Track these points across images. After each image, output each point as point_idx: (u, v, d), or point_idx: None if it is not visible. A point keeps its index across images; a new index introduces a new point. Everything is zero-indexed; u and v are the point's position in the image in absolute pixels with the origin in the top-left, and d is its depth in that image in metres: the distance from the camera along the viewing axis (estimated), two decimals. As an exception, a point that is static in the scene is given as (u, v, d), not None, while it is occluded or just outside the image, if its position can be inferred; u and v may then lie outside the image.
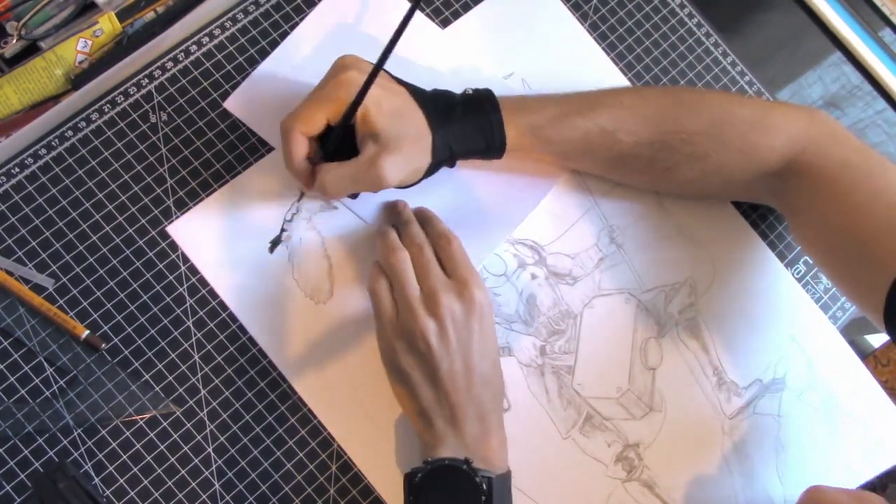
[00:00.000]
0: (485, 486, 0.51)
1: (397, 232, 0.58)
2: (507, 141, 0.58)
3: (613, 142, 0.59)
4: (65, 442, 0.56)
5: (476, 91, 0.59)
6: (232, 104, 0.63)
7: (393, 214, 0.60)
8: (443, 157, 0.57)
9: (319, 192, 0.55)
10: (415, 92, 0.57)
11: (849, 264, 0.57)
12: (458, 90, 0.59)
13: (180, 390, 0.58)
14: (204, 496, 0.57)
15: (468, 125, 0.57)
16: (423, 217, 0.60)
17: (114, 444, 0.57)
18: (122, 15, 0.62)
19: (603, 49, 0.70)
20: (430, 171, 0.58)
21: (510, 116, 0.58)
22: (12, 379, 0.57)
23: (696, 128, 0.58)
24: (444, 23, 0.68)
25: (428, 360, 0.53)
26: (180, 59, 0.63)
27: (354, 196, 0.61)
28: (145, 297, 0.59)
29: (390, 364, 0.55)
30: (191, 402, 0.58)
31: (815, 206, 0.58)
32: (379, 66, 0.51)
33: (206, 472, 0.57)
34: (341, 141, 0.55)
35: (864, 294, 0.56)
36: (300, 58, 0.64)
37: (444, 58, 0.66)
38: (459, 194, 0.63)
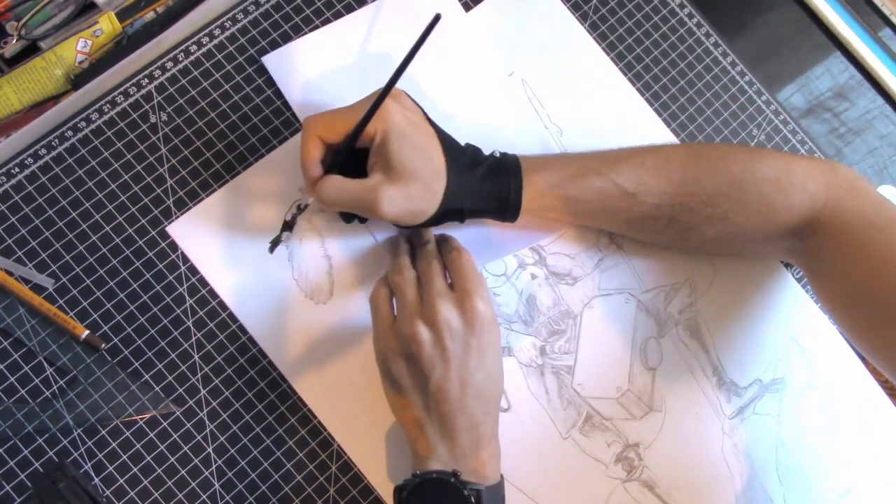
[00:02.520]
0: (473, 499, 0.50)
1: (413, 247, 0.58)
2: (523, 202, 0.57)
3: (633, 203, 0.58)
4: (65, 442, 0.56)
5: (503, 155, 0.58)
6: (270, 61, 0.64)
7: (415, 236, 0.59)
8: (451, 209, 0.56)
9: (316, 198, 0.55)
10: (444, 139, 0.56)
11: (870, 322, 0.56)
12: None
13: (180, 390, 0.58)
14: (204, 496, 0.57)
15: (486, 186, 0.56)
16: (442, 237, 0.59)
17: (114, 444, 0.57)
18: (122, 15, 0.62)
19: (603, 49, 0.70)
20: (435, 220, 0.56)
21: (530, 176, 0.57)
22: (12, 379, 0.57)
23: (716, 189, 0.57)
24: (444, 23, 0.68)
25: (420, 367, 0.53)
26: (180, 59, 0.63)
27: (348, 219, 0.60)
28: (145, 297, 0.59)
29: (384, 369, 0.55)
30: (191, 402, 0.58)
31: (835, 264, 0.57)
32: (391, 84, 0.51)
33: (206, 472, 0.57)
34: (356, 160, 0.55)
35: (887, 353, 0.55)
36: (351, 40, 0.65)
37: (444, 57, 0.66)
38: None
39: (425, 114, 0.56)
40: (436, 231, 0.59)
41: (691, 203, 0.58)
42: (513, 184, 0.56)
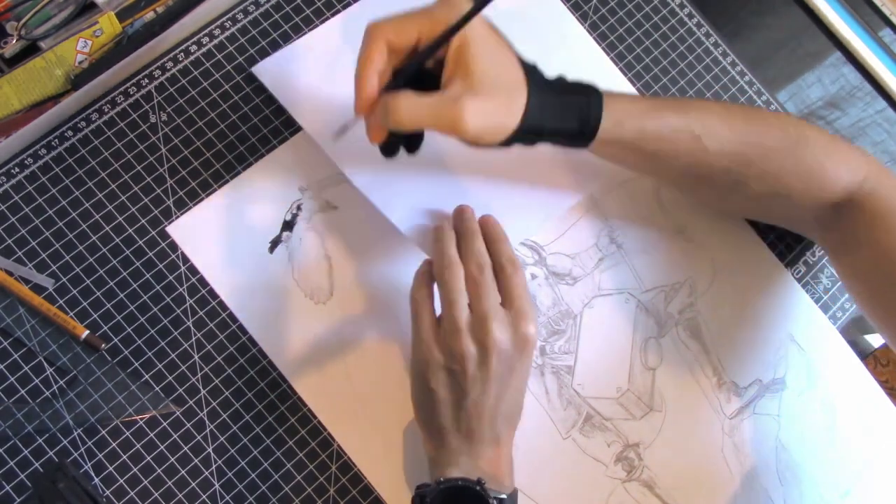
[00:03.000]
0: None
1: (457, 237, 0.55)
2: (602, 125, 0.53)
3: (697, 147, 0.56)
4: (65, 442, 0.56)
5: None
6: (261, 70, 0.63)
7: (457, 219, 0.56)
8: (532, 124, 0.51)
9: (382, 117, 0.49)
10: (518, 54, 0.52)
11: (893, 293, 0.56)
12: None
13: (180, 390, 0.58)
14: (204, 496, 0.57)
15: (567, 101, 0.53)
16: (492, 235, 0.56)
17: (114, 444, 0.57)
18: (122, 15, 0.62)
19: (603, 49, 0.70)
20: (509, 140, 0.52)
21: (610, 101, 0.54)
22: (12, 379, 0.57)
23: (776, 143, 0.57)
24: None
25: (461, 383, 0.51)
26: (180, 59, 0.63)
27: (390, 152, 0.55)
28: (145, 297, 0.59)
29: (419, 376, 0.53)
30: (191, 402, 0.58)
31: (868, 240, 0.57)
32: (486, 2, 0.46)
33: (206, 472, 0.57)
34: (418, 76, 0.50)
35: None
36: (340, 41, 0.64)
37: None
38: (479, 193, 0.61)
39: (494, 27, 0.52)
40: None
41: (751, 154, 0.57)
42: (594, 102, 0.53)
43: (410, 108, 0.48)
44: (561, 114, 0.53)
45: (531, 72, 0.52)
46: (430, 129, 0.50)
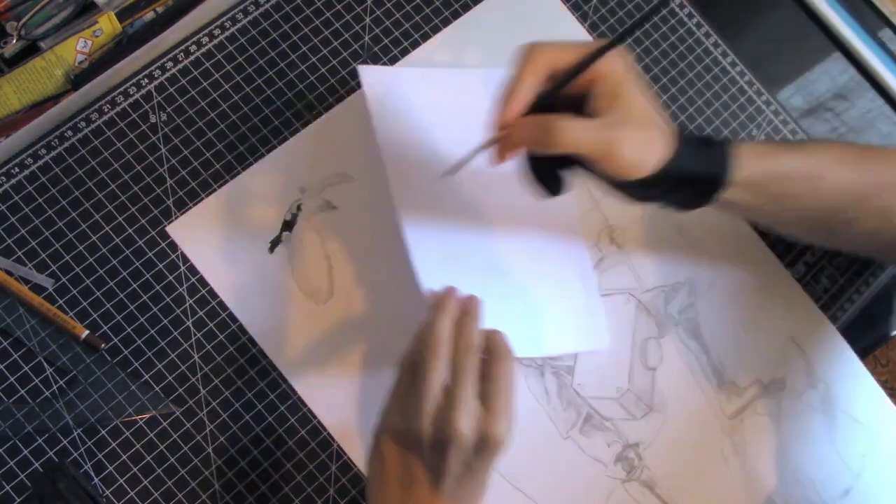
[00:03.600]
0: None
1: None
2: (732, 175, 0.52)
3: (815, 187, 0.55)
4: (65, 442, 0.56)
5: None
6: (367, 73, 0.61)
7: (468, 299, 0.53)
8: (678, 166, 0.50)
9: (541, 137, 0.48)
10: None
11: None
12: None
13: (180, 390, 0.58)
14: (204, 496, 0.57)
15: (701, 147, 0.52)
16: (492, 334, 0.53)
17: (114, 444, 0.57)
18: (122, 15, 0.62)
19: (603, 49, 0.70)
20: (646, 183, 0.50)
21: (738, 146, 0.53)
22: (12, 379, 0.57)
23: (887, 180, 0.57)
24: (444, 22, 0.68)
25: (411, 465, 0.49)
26: (180, 59, 0.63)
27: (551, 192, 0.53)
28: (145, 297, 0.59)
29: (375, 441, 0.51)
30: (190, 402, 0.58)
31: None
32: (637, 26, 0.46)
33: (206, 472, 0.57)
34: (552, 100, 0.49)
35: None
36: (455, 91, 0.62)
37: (444, 58, 0.66)
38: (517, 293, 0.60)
39: None
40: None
41: (863, 192, 0.56)
42: (725, 149, 0.52)
43: (573, 129, 0.47)
44: (697, 159, 0.52)
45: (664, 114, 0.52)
46: (584, 154, 0.49)
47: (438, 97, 0.63)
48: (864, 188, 0.56)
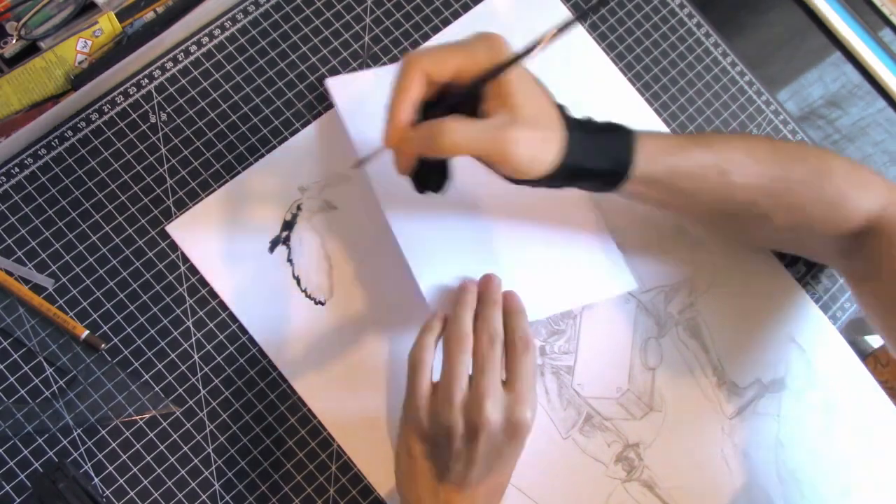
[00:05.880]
0: None
1: (478, 303, 0.54)
2: (634, 165, 0.53)
3: (723, 182, 0.56)
4: (64, 442, 0.56)
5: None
6: (334, 85, 0.62)
7: (483, 285, 0.55)
8: (571, 162, 0.51)
9: (429, 141, 0.48)
10: (551, 94, 0.53)
11: None
12: None
13: (180, 390, 0.58)
14: (204, 496, 0.57)
15: (599, 139, 0.53)
16: (511, 307, 0.54)
17: (113, 444, 0.57)
18: (122, 15, 0.62)
19: (603, 49, 0.70)
20: (548, 176, 0.51)
21: (641, 139, 0.53)
22: (12, 379, 0.57)
23: (800, 176, 0.57)
24: (444, 23, 0.68)
25: (444, 457, 0.50)
26: (180, 59, 0.63)
27: (423, 188, 0.54)
28: (145, 297, 0.59)
29: (405, 441, 0.52)
30: (190, 402, 0.58)
31: (889, 268, 0.57)
32: (535, 46, 0.46)
33: (206, 472, 0.57)
34: (452, 111, 0.49)
35: None
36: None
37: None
38: (511, 264, 0.60)
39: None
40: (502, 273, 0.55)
41: (775, 187, 0.57)
42: (627, 142, 0.53)
43: (461, 131, 0.48)
44: (595, 153, 0.52)
45: (564, 110, 0.53)
46: (477, 156, 0.50)
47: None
48: (775, 183, 0.57)
